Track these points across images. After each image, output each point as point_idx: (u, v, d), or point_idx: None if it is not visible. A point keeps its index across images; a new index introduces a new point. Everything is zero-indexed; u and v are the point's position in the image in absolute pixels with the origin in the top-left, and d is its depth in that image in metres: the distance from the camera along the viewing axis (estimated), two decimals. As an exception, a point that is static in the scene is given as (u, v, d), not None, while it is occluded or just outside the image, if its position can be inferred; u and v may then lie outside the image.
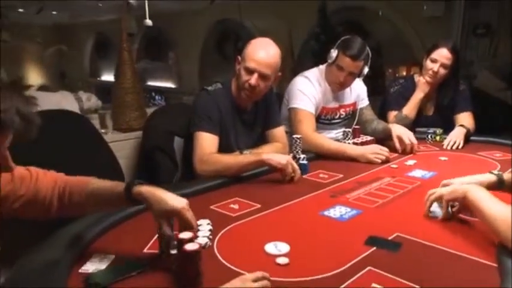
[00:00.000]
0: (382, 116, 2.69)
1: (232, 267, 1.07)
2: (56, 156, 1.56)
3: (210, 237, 1.20)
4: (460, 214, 1.34)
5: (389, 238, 1.23)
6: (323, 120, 2.47)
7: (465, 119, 2.57)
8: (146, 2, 3.63)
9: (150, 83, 9.78)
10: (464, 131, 2.42)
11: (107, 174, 1.21)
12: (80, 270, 1.05)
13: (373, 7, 5.47)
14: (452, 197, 1.31)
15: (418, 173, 1.89)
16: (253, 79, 1.88)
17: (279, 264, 1.08)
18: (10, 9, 7.14)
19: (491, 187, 1.33)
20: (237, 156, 1.89)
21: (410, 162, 2.08)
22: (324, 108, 2.43)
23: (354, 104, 2.55)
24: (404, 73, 5.06)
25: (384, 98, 2.83)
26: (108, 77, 10.51)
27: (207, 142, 1.87)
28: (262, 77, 1.89)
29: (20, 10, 7.84)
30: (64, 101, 3.32)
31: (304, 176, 1.85)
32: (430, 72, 2.53)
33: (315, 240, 1.25)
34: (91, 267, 1.06)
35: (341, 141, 2.28)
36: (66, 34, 11.13)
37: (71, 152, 1.91)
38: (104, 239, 1.23)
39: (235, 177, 1.79)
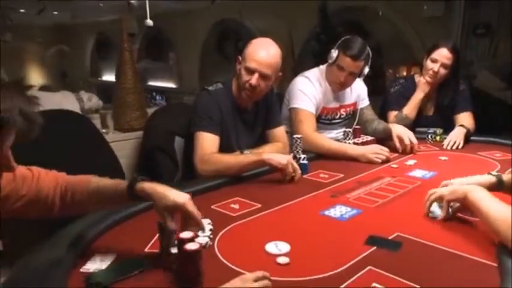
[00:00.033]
0: (383, 116, 2.69)
1: (232, 266, 1.08)
2: (57, 156, 1.57)
3: (211, 236, 1.20)
4: (460, 214, 1.35)
5: (390, 238, 1.23)
6: (323, 120, 2.47)
7: (465, 119, 2.57)
8: (147, 2, 3.65)
9: (151, 83, 9.78)
10: (464, 131, 2.42)
11: (107, 174, 1.22)
12: (81, 270, 1.05)
13: (374, 7, 5.47)
14: (453, 198, 1.31)
15: (418, 172, 1.90)
16: (254, 79, 1.88)
17: (279, 264, 1.08)
18: (11, 10, 7.15)
19: (491, 188, 1.33)
20: (237, 156, 1.89)
21: (411, 162, 2.08)
22: (324, 108, 2.43)
23: (355, 104, 2.55)
24: (405, 73, 5.06)
25: (384, 98, 2.83)
26: (109, 77, 10.52)
27: (207, 142, 1.87)
28: (263, 77, 1.89)
29: (21, 10, 7.84)
30: (65, 101, 3.34)
31: (304, 176, 1.86)
32: (431, 72, 2.54)
33: (316, 239, 1.25)
34: (92, 266, 1.07)
35: (341, 141, 2.28)
36: (68, 34, 11.14)
37: (72, 151, 1.92)
38: (105, 239, 1.23)
39: (235, 177, 1.79)
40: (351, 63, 2.24)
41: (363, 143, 2.26)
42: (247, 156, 1.86)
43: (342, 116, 2.54)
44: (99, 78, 11.35)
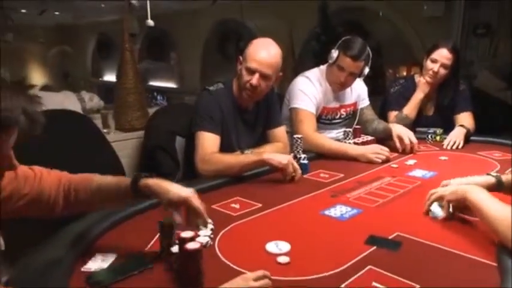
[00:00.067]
0: (383, 116, 2.69)
1: (233, 266, 1.08)
2: (59, 155, 1.57)
3: (211, 236, 1.21)
4: (460, 214, 1.35)
5: (390, 237, 1.24)
6: (324, 120, 2.48)
7: (465, 119, 2.58)
8: (148, 2, 3.65)
9: (152, 83, 9.80)
10: (464, 131, 2.42)
11: (109, 173, 1.22)
12: (82, 269, 1.06)
13: (374, 7, 5.48)
14: (453, 198, 1.31)
15: (418, 172, 1.90)
16: (255, 79, 1.89)
17: (279, 263, 1.09)
18: (13, 11, 7.16)
19: (490, 189, 1.33)
20: (238, 156, 1.90)
21: (411, 162, 2.09)
22: (324, 108, 2.44)
23: (355, 104, 2.55)
24: (405, 73, 5.06)
25: (384, 98, 2.83)
26: (110, 77, 10.53)
27: (208, 142, 1.88)
28: (264, 77, 1.90)
29: (23, 11, 7.85)
30: (67, 101, 3.34)
31: (304, 176, 1.86)
32: (430, 72, 2.54)
33: (316, 239, 1.26)
34: (93, 266, 1.07)
35: (342, 141, 2.28)
36: (69, 35, 11.18)
37: (73, 151, 1.93)
38: (106, 238, 1.24)
39: (236, 176, 1.80)
40: (351, 64, 2.24)
41: (363, 143, 2.27)
42: (247, 156, 1.86)
43: (342, 116, 2.54)
44: (100, 79, 11.37)
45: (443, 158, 2.17)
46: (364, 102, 2.58)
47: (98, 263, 1.08)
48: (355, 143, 2.25)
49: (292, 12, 6.10)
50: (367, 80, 2.58)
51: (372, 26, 5.72)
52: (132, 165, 2.70)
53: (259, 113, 2.12)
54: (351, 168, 1.99)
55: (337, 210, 1.45)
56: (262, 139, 2.14)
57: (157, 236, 1.17)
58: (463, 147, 2.35)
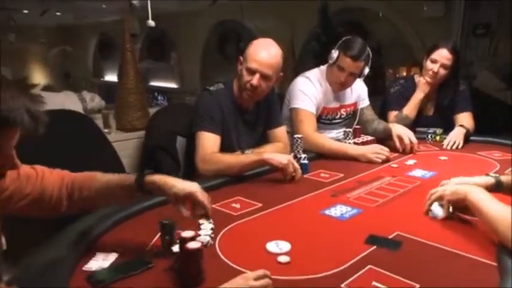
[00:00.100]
0: (383, 116, 2.69)
1: (233, 265, 1.09)
2: (60, 155, 1.58)
3: (212, 235, 1.21)
4: (460, 214, 1.35)
5: (390, 237, 1.24)
6: (324, 120, 2.48)
7: (465, 119, 2.58)
8: (149, 3, 3.66)
9: (153, 83, 9.81)
10: (464, 131, 2.42)
11: (110, 173, 1.23)
12: (83, 268, 1.06)
13: (374, 8, 5.48)
14: (454, 198, 1.31)
15: (418, 172, 1.90)
16: (255, 79, 1.89)
17: (280, 263, 1.09)
18: (15, 11, 7.18)
19: (490, 189, 1.33)
20: (238, 155, 1.90)
21: (411, 161, 2.09)
22: (324, 108, 2.44)
23: (355, 104, 2.56)
24: (405, 73, 5.06)
25: (384, 98, 2.83)
26: (111, 77, 10.55)
27: (209, 142, 1.88)
28: (264, 77, 1.90)
29: (25, 11, 7.87)
30: (68, 101, 3.35)
31: (305, 176, 1.86)
32: (430, 72, 2.54)
33: (316, 239, 1.26)
34: (94, 265, 1.08)
35: (342, 141, 2.29)
36: (70, 35, 11.19)
37: (75, 151, 1.93)
38: (107, 238, 1.24)
39: (236, 176, 1.80)
40: (351, 64, 2.25)
41: (363, 143, 2.27)
42: (248, 156, 1.87)
43: (342, 116, 2.55)
44: (102, 79, 11.38)
45: (443, 158, 2.18)
46: (364, 102, 2.59)
47: (99, 263, 1.09)
48: (355, 143, 2.25)
49: (292, 13, 6.10)
50: (367, 80, 2.59)
51: (372, 26, 5.73)
52: (133, 165, 2.71)
53: (259, 113, 2.12)
54: (351, 168, 1.99)
55: (338, 210, 1.46)
56: (263, 139, 2.14)
57: (158, 235, 1.17)
58: (462, 147, 2.36)
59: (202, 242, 1.03)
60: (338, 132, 2.52)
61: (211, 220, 1.26)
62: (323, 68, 2.44)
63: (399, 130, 2.29)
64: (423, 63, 2.62)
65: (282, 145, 2.11)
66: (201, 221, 1.24)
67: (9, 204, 1.07)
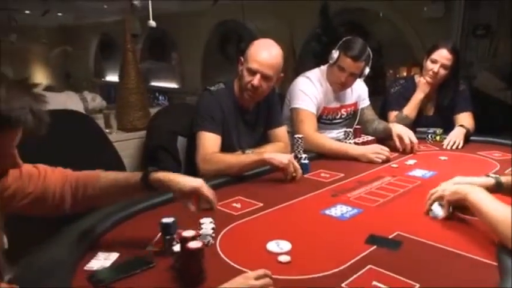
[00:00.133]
0: (383, 116, 2.69)
1: (234, 265, 1.09)
2: (61, 155, 1.58)
3: (213, 235, 1.21)
4: (460, 214, 1.36)
5: (390, 237, 1.24)
6: (324, 120, 2.49)
7: (465, 119, 2.58)
8: (150, 3, 3.66)
9: (154, 83, 9.81)
10: (464, 131, 2.43)
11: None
12: (84, 268, 1.07)
13: (374, 8, 5.48)
14: (454, 198, 1.32)
15: (418, 172, 1.90)
16: (256, 80, 1.90)
17: (280, 262, 1.09)
18: (17, 12, 7.19)
19: (490, 190, 1.33)
20: (239, 155, 1.91)
21: (411, 161, 2.09)
22: (325, 108, 2.44)
23: (355, 104, 2.56)
24: (405, 73, 5.06)
25: (384, 98, 2.84)
26: (112, 77, 10.55)
27: (209, 142, 1.89)
28: (265, 77, 1.91)
29: (26, 12, 7.88)
30: (69, 101, 3.36)
31: (305, 176, 1.87)
32: (430, 72, 2.55)
33: (316, 238, 1.26)
34: (96, 264, 1.08)
35: (342, 141, 2.29)
36: (72, 35, 11.21)
37: (76, 151, 1.94)
38: (109, 237, 1.25)
39: (237, 176, 1.81)
40: (351, 64, 2.25)
41: (364, 143, 2.27)
42: (248, 156, 1.87)
43: (343, 116, 2.55)
44: (103, 79, 11.39)
45: (443, 158, 2.18)
46: (365, 102, 2.59)
47: (100, 262, 1.09)
48: (355, 143, 2.26)
49: (293, 13, 6.10)
50: (368, 80, 2.59)
51: (373, 26, 5.73)
52: (134, 165, 2.71)
53: (260, 113, 2.12)
54: (352, 168, 2.00)
55: (338, 210, 1.46)
56: (263, 139, 2.15)
57: (159, 235, 1.18)
58: (462, 147, 2.36)
59: (203, 242, 1.03)
60: (338, 132, 2.53)
61: (211, 219, 1.26)
62: (323, 68, 2.45)
63: (399, 130, 2.29)
64: (423, 63, 2.62)
65: (283, 145, 2.12)
66: (202, 221, 1.24)
67: (12, 203, 1.07)
